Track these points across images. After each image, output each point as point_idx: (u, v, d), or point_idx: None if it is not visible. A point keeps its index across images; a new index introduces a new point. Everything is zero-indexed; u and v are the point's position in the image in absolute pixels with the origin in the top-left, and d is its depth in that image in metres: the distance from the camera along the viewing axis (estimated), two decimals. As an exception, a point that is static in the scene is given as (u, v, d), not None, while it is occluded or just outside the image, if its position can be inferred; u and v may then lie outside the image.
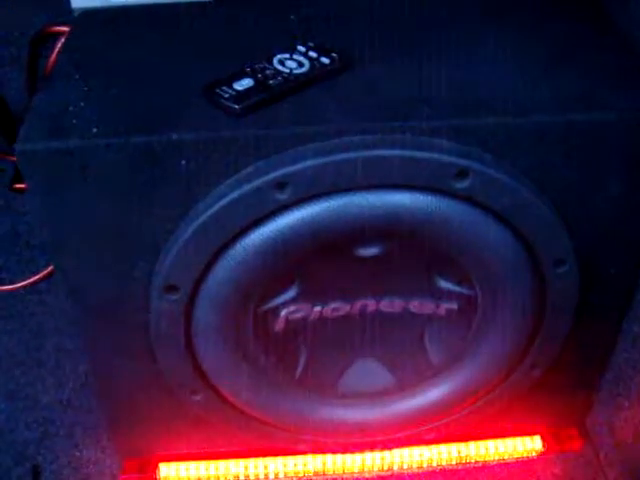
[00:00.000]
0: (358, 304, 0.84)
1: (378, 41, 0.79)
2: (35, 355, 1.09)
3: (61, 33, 1.03)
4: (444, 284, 0.82)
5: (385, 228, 0.73)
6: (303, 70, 0.73)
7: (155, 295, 0.76)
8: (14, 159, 1.24)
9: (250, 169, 0.69)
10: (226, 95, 0.69)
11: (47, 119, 0.70)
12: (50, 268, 1.17)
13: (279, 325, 0.83)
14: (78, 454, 0.98)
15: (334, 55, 0.74)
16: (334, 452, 0.95)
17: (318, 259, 0.76)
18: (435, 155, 0.69)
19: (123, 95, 0.73)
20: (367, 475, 0.97)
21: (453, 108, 0.71)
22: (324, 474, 0.96)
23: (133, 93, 0.73)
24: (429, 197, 0.71)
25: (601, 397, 0.95)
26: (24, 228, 1.22)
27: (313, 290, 0.82)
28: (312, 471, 0.96)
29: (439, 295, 0.83)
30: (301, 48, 0.75)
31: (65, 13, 1.08)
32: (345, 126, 0.69)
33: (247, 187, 0.69)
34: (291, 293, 0.81)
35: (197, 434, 0.92)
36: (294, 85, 0.71)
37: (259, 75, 0.72)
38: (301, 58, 0.74)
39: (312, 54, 0.74)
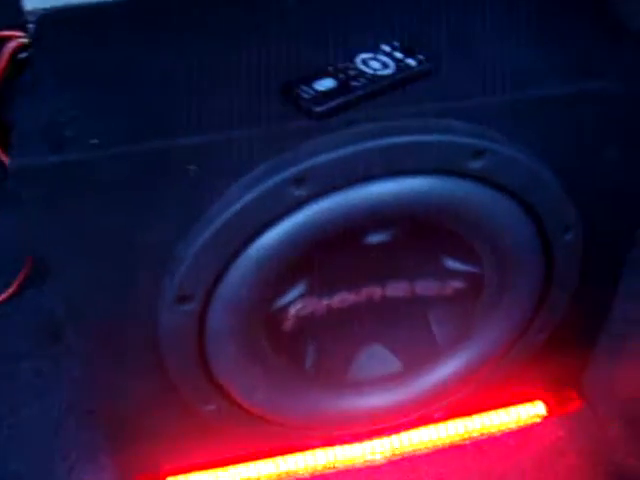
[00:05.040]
0: (364, 292, 0.83)
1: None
2: (12, 381, 1.03)
3: (8, 38, 0.96)
4: (450, 263, 0.82)
5: (401, 214, 0.72)
6: (388, 72, 0.68)
7: (166, 307, 0.72)
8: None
9: (262, 167, 0.67)
10: (306, 96, 0.65)
11: (39, 132, 0.65)
12: (12, 289, 1.11)
13: (289, 323, 0.81)
14: (76, 478, 0.94)
15: (420, 57, 0.70)
16: (344, 443, 0.95)
17: (326, 251, 0.75)
18: (449, 138, 0.68)
19: (114, 100, 0.68)
20: (378, 462, 0.96)
21: (459, 87, 0.70)
22: (335, 466, 0.95)
23: (124, 97, 0.69)
24: (445, 180, 0.70)
25: (596, 356, 0.97)
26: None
27: (321, 284, 0.80)
28: (323, 465, 0.95)
29: (445, 275, 0.83)
30: (385, 48, 0.71)
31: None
32: (354, 116, 0.67)
33: (263, 186, 0.66)
34: (300, 289, 0.79)
35: (206, 443, 0.89)
36: (378, 88, 0.67)
37: (341, 75, 0.67)
38: (385, 59, 0.69)
39: (397, 55, 0.70)
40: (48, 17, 0.82)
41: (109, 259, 0.70)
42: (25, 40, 0.94)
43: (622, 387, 0.95)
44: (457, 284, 0.84)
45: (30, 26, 0.86)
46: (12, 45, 0.95)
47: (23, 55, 0.95)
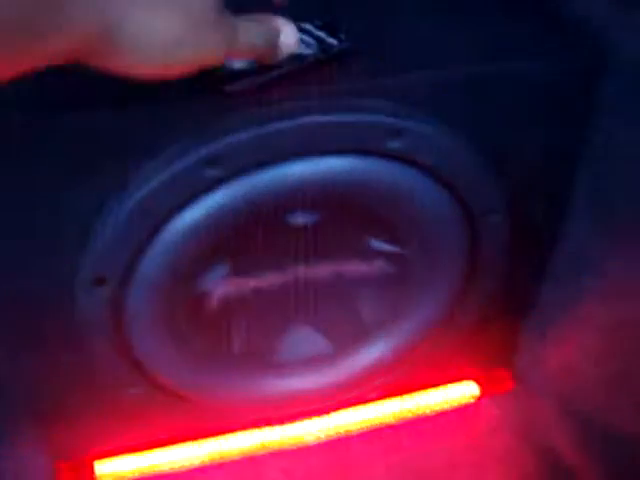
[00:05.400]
0: (290, 273, 0.82)
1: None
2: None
3: None
4: (375, 244, 0.81)
5: (319, 195, 0.71)
6: (308, 51, 0.66)
7: (82, 289, 0.71)
8: None
9: (175, 147, 0.65)
10: (221, 73, 0.62)
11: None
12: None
13: (212, 304, 0.80)
14: (1, 466, 0.92)
15: (342, 36, 0.68)
16: (275, 424, 0.94)
17: (248, 232, 0.74)
18: (366, 117, 0.67)
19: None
20: (310, 443, 0.96)
21: (377, 66, 0.69)
22: (265, 448, 0.94)
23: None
24: (364, 160, 0.69)
25: (527, 336, 0.97)
26: None
27: (245, 264, 0.79)
28: (255, 446, 0.94)
29: (371, 256, 0.82)
30: (307, 26, 0.68)
31: None
32: (270, 95, 0.66)
33: (175, 166, 0.65)
34: (223, 270, 0.78)
35: (133, 426, 0.88)
36: (297, 67, 0.65)
37: None
38: (307, 37, 0.67)
39: (319, 34, 0.68)
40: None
41: (25, 240, 0.68)
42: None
43: (553, 367, 0.95)
44: (382, 265, 0.83)
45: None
46: None
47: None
